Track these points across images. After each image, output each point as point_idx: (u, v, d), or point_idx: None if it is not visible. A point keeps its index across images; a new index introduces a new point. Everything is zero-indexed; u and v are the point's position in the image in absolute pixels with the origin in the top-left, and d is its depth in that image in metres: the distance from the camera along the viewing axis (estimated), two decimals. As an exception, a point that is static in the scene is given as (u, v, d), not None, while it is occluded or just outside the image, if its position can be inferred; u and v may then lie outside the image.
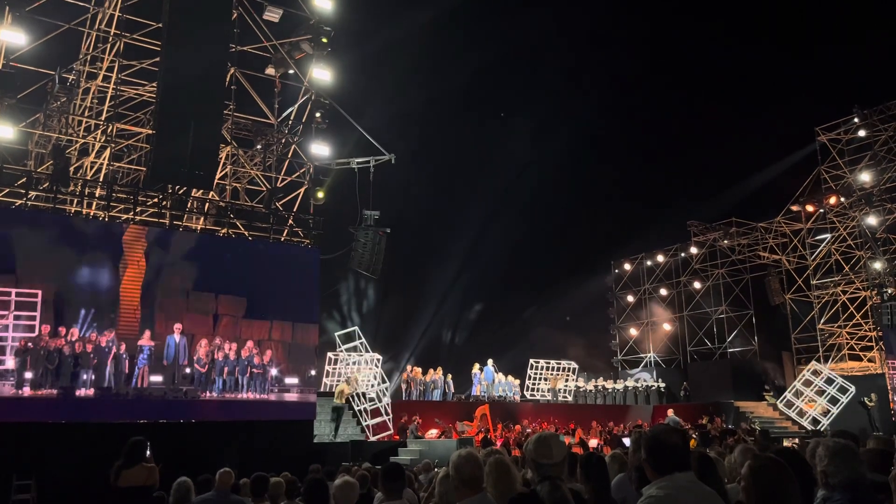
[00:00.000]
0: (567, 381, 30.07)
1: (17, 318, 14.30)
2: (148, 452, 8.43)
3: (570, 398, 29.67)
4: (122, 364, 15.39)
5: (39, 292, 14.59)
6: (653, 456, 3.26)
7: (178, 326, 16.23)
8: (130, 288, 15.73)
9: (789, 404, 28.07)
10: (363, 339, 21.76)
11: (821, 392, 27.11)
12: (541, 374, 30.04)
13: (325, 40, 19.63)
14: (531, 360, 30.28)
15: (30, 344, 14.35)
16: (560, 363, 30.62)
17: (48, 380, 14.47)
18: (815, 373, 27.73)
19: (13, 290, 14.28)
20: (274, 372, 17.45)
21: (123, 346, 15.43)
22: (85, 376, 14.91)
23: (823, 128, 30.89)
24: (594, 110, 36.84)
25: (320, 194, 19.36)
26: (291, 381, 17.79)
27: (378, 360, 22.28)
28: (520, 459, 8.61)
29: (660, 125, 38.48)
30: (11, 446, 13.21)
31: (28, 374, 14.28)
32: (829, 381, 26.89)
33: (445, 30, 33.64)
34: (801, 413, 27.41)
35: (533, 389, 29.71)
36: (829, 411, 26.47)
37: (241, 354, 17.01)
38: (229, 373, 16.80)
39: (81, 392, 14.88)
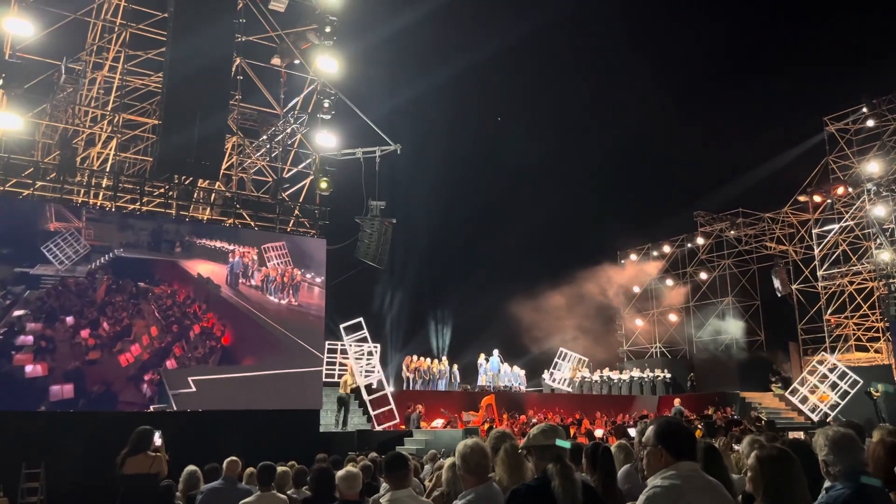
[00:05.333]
0: (580, 372, 30.20)
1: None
2: (159, 441, 8.48)
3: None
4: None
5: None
6: (668, 440, 3.28)
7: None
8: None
9: (794, 393, 28.05)
10: (364, 330, 21.83)
11: (830, 384, 27.11)
12: (568, 364, 30.16)
13: (328, 29, 19.57)
14: (561, 349, 30.45)
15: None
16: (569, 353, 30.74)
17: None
18: (821, 363, 27.76)
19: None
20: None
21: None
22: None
23: (831, 117, 30.69)
24: (599, 98, 36.73)
25: (324, 184, 19.35)
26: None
27: (376, 348, 22.42)
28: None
29: (665, 114, 38.32)
30: (21, 435, 13.32)
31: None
32: (841, 374, 26.89)
33: (452, 20, 33.51)
34: (808, 404, 27.40)
35: (561, 380, 29.77)
36: (836, 402, 26.44)
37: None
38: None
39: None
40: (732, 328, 33.67)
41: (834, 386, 26.91)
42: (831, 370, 27.19)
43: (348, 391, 19.75)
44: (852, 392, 26.18)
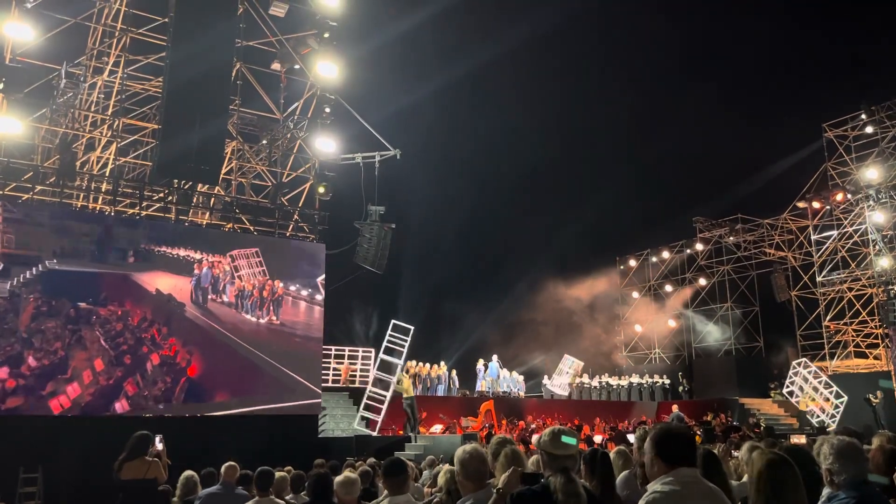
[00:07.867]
0: (576, 377, 30.11)
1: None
2: (161, 446, 8.48)
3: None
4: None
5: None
6: (663, 447, 3.27)
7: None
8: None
9: (791, 397, 28.15)
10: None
11: (818, 389, 27.28)
12: (571, 369, 30.10)
13: (327, 35, 19.64)
14: (565, 356, 30.33)
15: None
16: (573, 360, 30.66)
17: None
18: (800, 366, 28.06)
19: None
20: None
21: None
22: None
23: (830, 124, 30.70)
24: (600, 104, 36.78)
25: (322, 189, 19.37)
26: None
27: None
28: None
29: (666, 120, 38.40)
30: (18, 439, 13.27)
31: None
32: (821, 379, 27.18)
33: (451, 24, 33.58)
34: (807, 411, 27.47)
35: (561, 385, 29.68)
36: (832, 408, 26.55)
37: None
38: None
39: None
40: (731, 334, 33.65)
41: (802, 389, 27.26)
42: (812, 376, 27.51)
43: (412, 393, 19.95)
44: (833, 399, 26.47)
